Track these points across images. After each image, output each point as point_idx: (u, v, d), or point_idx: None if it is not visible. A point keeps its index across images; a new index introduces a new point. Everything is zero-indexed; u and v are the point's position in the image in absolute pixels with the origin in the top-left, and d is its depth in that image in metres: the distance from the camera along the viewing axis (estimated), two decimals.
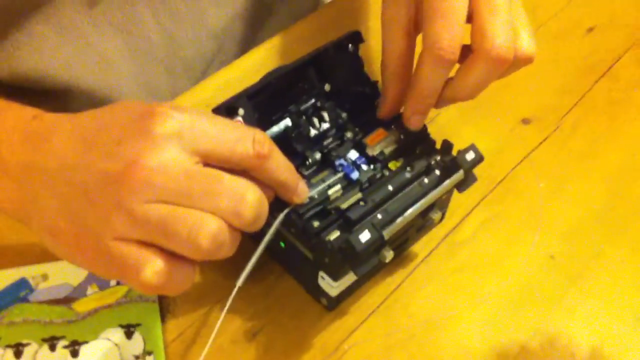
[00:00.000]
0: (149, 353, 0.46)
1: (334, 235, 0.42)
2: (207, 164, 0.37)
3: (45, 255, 0.47)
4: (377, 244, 0.41)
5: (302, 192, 0.43)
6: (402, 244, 0.50)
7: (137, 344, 0.46)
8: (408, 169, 0.46)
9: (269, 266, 0.51)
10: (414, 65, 0.46)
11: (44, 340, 0.46)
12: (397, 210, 0.43)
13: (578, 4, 0.74)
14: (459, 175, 0.46)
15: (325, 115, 0.48)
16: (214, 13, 0.64)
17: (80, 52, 0.57)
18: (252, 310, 0.49)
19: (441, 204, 0.50)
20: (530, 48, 0.44)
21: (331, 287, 0.45)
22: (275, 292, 0.50)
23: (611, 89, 0.66)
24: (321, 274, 0.45)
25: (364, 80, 0.51)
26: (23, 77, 0.55)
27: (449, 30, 0.42)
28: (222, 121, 0.39)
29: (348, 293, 0.49)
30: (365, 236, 0.40)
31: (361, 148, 0.47)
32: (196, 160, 0.37)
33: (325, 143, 0.48)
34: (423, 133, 0.48)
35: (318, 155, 0.47)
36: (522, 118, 0.63)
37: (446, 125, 0.61)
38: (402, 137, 0.48)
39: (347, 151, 0.47)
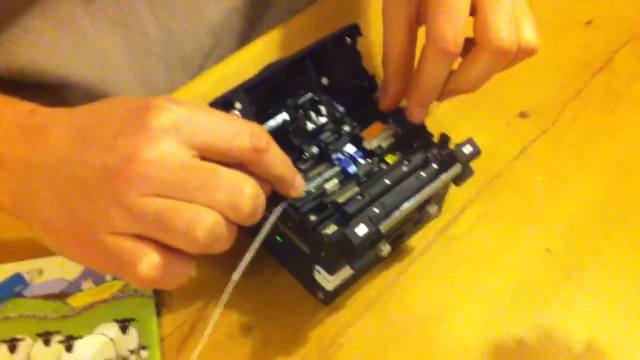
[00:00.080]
0: (144, 348, 0.46)
1: (331, 229, 0.42)
2: (204, 158, 0.37)
3: (40, 250, 0.47)
4: (374, 238, 0.41)
5: (299, 186, 0.43)
6: (398, 237, 0.50)
7: (132, 338, 0.46)
8: (405, 162, 0.45)
9: (265, 260, 0.51)
10: (416, 59, 0.46)
11: (39, 335, 0.46)
12: (394, 204, 0.43)
13: None
14: (456, 168, 0.45)
15: (323, 109, 0.48)
16: (211, 7, 0.64)
17: (77, 47, 0.57)
18: (248, 304, 0.49)
19: (438, 197, 0.50)
20: (533, 40, 0.45)
21: (327, 281, 0.45)
22: (271, 286, 0.50)
23: (609, 82, 0.66)
24: (317, 268, 0.45)
25: (361, 73, 0.51)
26: (20, 71, 0.55)
27: (453, 24, 0.42)
28: (219, 114, 0.39)
29: (344, 287, 0.49)
30: (362, 230, 0.40)
31: (358, 142, 0.47)
32: (193, 154, 0.36)
33: (322, 137, 0.48)
34: (420, 127, 0.48)
35: (315, 149, 0.47)
36: (520, 112, 0.63)
37: (443, 119, 0.60)
38: (399, 130, 0.48)
39: (344, 145, 0.47)
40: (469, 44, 0.44)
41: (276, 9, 0.71)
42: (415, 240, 0.53)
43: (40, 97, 0.43)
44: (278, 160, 0.40)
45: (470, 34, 0.44)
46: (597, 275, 0.52)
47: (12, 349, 0.45)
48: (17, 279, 0.48)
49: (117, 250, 0.35)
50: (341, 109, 0.49)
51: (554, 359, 0.48)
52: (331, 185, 0.45)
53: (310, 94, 0.48)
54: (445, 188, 0.51)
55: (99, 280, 0.49)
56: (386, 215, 0.42)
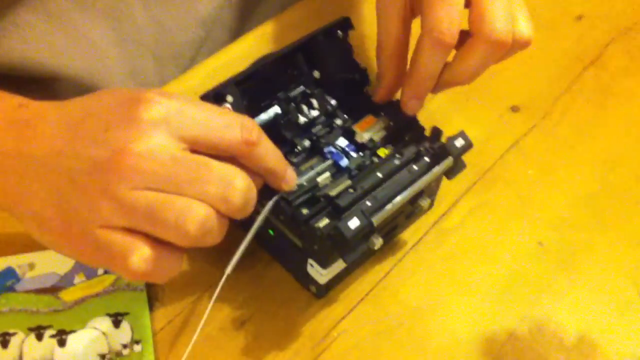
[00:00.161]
0: (137, 342, 0.46)
1: (323, 222, 0.42)
2: (195, 151, 0.37)
3: (31, 244, 0.47)
4: (366, 231, 0.41)
5: (291, 179, 0.42)
6: (391, 231, 0.50)
7: (125, 332, 0.46)
8: (397, 155, 0.45)
9: (257, 254, 0.51)
10: (411, 52, 0.46)
11: (31, 329, 0.46)
12: (386, 197, 0.43)
13: None
14: (448, 161, 0.46)
15: (315, 102, 0.48)
16: (202, 0, 0.64)
17: (68, 40, 0.56)
18: (241, 298, 0.49)
19: (430, 191, 0.50)
20: (528, 32, 0.45)
21: (320, 274, 0.45)
22: (264, 280, 0.50)
23: (600, 76, 0.66)
24: (310, 261, 0.45)
25: (353, 66, 0.51)
26: (10, 65, 0.55)
27: (449, 15, 0.42)
28: (209, 107, 0.38)
29: (337, 281, 0.49)
30: (354, 223, 0.40)
31: (350, 135, 0.47)
32: (184, 147, 0.36)
33: (314, 130, 0.48)
34: (412, 120, 0.48)
35: (307, 143, 0.47)
36: (511, 105, 0.63)
37: (435, 112, 0.61)
38: (391, 124, 0.48)
39: (336, 138, 0.47)
40: (464, 36, 0.44)
41: (268, 2, 0.71)
42: (408, 234, 0.53)
43: (31, 91, 0.43)
44: (269, 153, 0.40)
45: (465, 27, 0.44)
46: (589, 268, 0.52)
47: (4, 343, 0.45)
48: (9, 273, 0.48)
49: (108, 244, 0.35)
50: (333, 102, 0.49)
51: (546, 351, 0.48)
52: (323, 178, 0.45)
53: (302, 88, 0.48)
54: (437, 181, 0.51)
55: (90, 274, 0.48)
56: (378, 208, 0.43)
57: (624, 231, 0.55)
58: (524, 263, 0.52)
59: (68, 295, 0.47)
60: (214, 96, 0.44)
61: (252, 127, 0.38)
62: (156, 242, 0.36)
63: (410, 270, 0.51)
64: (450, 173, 0.47)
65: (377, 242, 0.43)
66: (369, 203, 0.43)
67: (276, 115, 0.47)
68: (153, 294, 0.48)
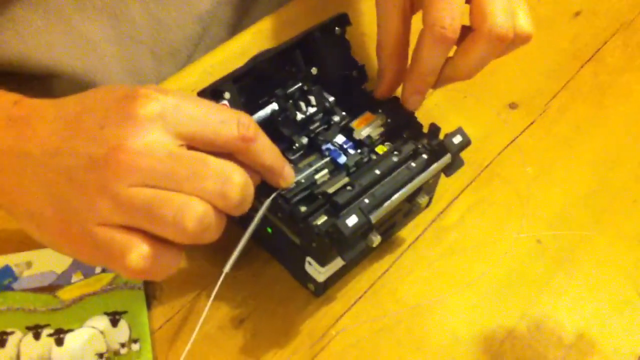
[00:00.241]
0: (135, 341, 0.46)
1: (321, 219, 0.42)
2: (191, 148, 0.37)
3: (29, 243, 0.47)
4: (365, 229, 0.41)
5: (289, 176, 0.42)
6: (389, 228, 0.50)
7: (123, 331, 0.46)
8: (395, 153, 0.45)
9: (255, 252, 0.50)
10: (411, 47, 0.46)
11: (28, 328, 0.46)
12: (384, 194, 0.43)
13: None
14: (446, 159, 0.45)
15: (312, 99, 0.48)
16: None
17: (65, 36, 0.56)
18: (239, 296, 0.49)
19: (428, 188, 0.50)
20: (528, 27, 0.46)
21: (318, 272, 0.45)
22: (262, 278, 0.50)
23: (597, 73, 0.66)
24: (308, 259, 0.45)
25: (351, 63, 0.51)
26: (7, 62, 0.55)
27: (450, 10, 0.43)
28: (206, 103, 0.38)
29: (335, 279, 0.49)
30: (352, 220, 0.40)
31: (348, 132, 0.47)
32: (180, 143, 0.36)
33: (312, 127, 0.48)
34: (410, 117, 0.48)
35: (305, 140, 0.47)
36: (509, 103, 0.63)
37: (433, 109, 0.60)
38: (389, 121, 0.48)
39: (334, 135, 0.47)
40: (465, 32, 0.44)
41: None
42: (406, 231, 0.53)
43: (28, 88, 0.43)
44: (266, 150, 0.40)
45: (466, 23, 0.44)
46: (587, 266, 0.52)
47: (2, 343, 0.45)
48: (6, 272, 0.48)
49: (106, 242, 0.35)
50: (331, 99, 0.49)
51: (544, 349, 0.48)
52: (321, 175, 0.45)
53: (299, 84, 0.48)
54: (435, 178, 0.51)
55: (88, 272, 0.48)
56: (377, 206, 0.42)
57: (622, 229, 0.55)
58: (523, 261, 0.52)
59: (66, 294, 0.47)
60: (212, 93, 0.44)
61: (249, 124, 0.38)
62: (154, 239, 0.35)
63: (409, 268, 0.51)
64: (448, 170, 0.47)
65: (376, 239, 0.43)
66: (367, 200, 0.42)
67: (274, 112, 0.47)
68: (151, 293, 0.48)
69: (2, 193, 0.39)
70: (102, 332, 0.46)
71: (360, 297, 0.49)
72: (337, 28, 0.49)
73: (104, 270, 0.48)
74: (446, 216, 0.54)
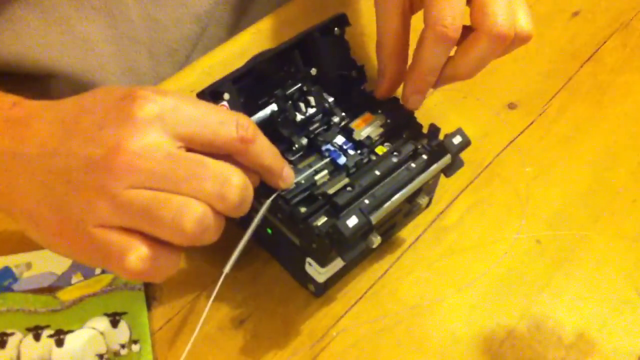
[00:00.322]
0: (135, 341, 0.46)
1: (321, 220, 0.42)
2: (190, 149, 0.37)
3: (29, 244, 0.47)
4: (365, 229, 0.41)
5: (288, 176, 0.42)
6: (389, 229, 0.50)
7: (123, 332, 0.46)
8: (395, 153, 0.45)
9: (255, 252, 0.50)
10: (411, 48, 0.46)
11: (29, 329, 0.46)
12: (384, 195, 0.43)
13: None
14: (446, 159, 0.45)
15: (312, 99, 0.48)
16: None
17: (63, 36, 0.56)
18: (239, 297, 0.49)
19: (428, 188, 0.50)
20: (529, 26, 0.46)
21: (318, 273, 0.45)
22: (262, 279, 0.50)
23: (596, 73, 0.66)
24: (308, 260, 0.45)
25: (350, 63, 0.51)
26: (4, 61, 0.55)
27: (452, 9, 0.43)
28: (204, 104, 0.38)
29: (335, 279, 0.49)
30: (352, 221, 0.40)
31: (348, 133, 0.47)
32: (179, 145, 0.36)
33: (311, 128, 0.48)
34: (410, 117, 0.48)
35: (304, 141, 0.47)
36: (508, 103, 0.63)
37: (432, 109, 0.60)
38: (388, 121, 0.48)
39: (334, 136, 0.47)
40: (466, 32, 0.44)
41: None
42: (406, 232, 0.53)
43: (25, 88, 0.43)
44: (265, 151, 0.40)
45: (467, 23, 0.45)
46: (587, 265, 0.52)
47: (2, 344, 0.45)
48: (6, 273, 0.48)
49: (105, 243, 0.35)
50: (330, 99, 0.49)
51: (544, 348, 0.48)
52: (321, 176, 0.45)
53: (298, 85, 0.48)
54: (435, 179, 0.51)
55: (88, 273, 0.48)
56: (377, 206, 0.42)
57: (621, 228, 0.55)
58: (522, 261, 0.52)
59: (66, 295, 0.47)
60: (211, 94, 0.43)
61: (248, 125, 0.38)
62: (153, 241, 0.35)
63: (409, 268, 0.51)
64: (448, 171, 0.47)
65: (376, 240, 0.43)
66: (367, 201, 0.42)
67: (273, 113, 0.47)
68: (151, 293, 0.48)
69: (1, 195, 0.39)
70: (102, 333, 0.46)
71: (360, 298, 0.49)
72: (336, 28, 0.49)
73: (103, 272, 0.48)
74: (446, 216, 0.54)
